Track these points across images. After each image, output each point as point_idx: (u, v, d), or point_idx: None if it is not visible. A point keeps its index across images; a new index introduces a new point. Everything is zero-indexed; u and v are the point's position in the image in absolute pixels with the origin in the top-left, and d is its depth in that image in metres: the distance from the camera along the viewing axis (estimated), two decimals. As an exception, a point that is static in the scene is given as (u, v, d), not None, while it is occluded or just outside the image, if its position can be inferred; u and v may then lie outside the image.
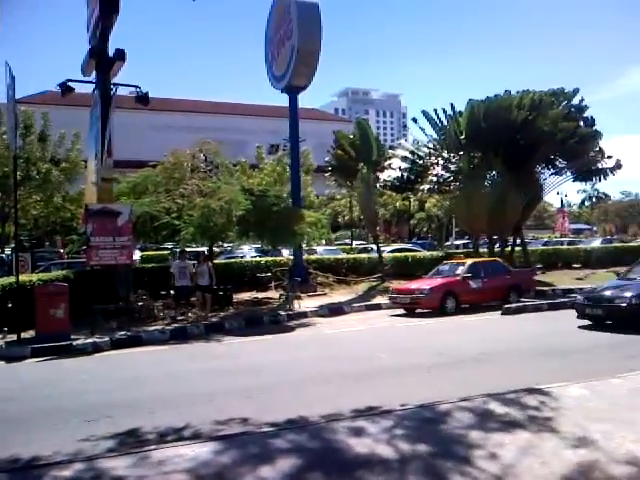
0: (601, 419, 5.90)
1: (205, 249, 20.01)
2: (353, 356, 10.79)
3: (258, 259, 24.07)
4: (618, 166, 25.36)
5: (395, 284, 20.27)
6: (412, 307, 16.94)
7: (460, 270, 17.64)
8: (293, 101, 22.47)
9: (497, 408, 6.40)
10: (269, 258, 23.86)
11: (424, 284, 17.27)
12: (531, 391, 7.03)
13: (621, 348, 10.47)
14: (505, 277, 18.11)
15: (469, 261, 18.53)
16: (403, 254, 26.10)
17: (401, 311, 17.18)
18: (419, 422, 6.09)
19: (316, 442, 5.62)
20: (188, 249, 18.68)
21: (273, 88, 23.35)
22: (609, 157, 25.13)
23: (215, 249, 20.75)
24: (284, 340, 13.38)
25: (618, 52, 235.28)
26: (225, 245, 23.70)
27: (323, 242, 27.31)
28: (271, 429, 6.16)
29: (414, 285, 17.57)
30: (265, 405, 7.36)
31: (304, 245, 21.57)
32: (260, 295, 20.09)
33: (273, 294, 20.03)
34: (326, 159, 27.49)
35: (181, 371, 10.01)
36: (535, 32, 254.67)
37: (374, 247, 27.02)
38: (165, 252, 28.06)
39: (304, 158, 36.14)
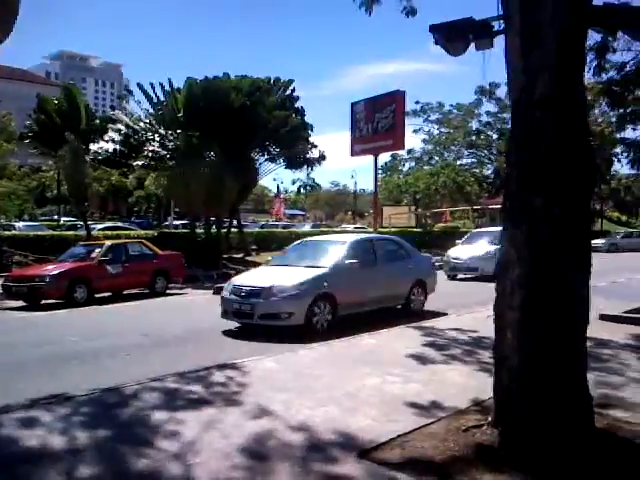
0: (284, 389, 6.20)
1: None
2: (40, 341, 9.71)
3: None
4: (322, 157, 27.84)
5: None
6: (33, 298, 14.21)
7: (96, 253, 15.63)
8: (-14, 53, 19.59)
9: (185, 386, 6.32)
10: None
11: (47, 270, 14.78)
12: (222, 367, 7.11)
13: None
14: (152, 261, 16.50)
15: (107, 242, 16.77)
16: (115, 232, 24.83)
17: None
18: (102, 407, 5.68)
19: (-25, 440, 4.86)
20: None
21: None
22: (316, 147, 27.48)
23: None
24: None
25: (341, 51, 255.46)
26: None
27: (26, 217, 24.56)
28: None
29: (35, 271, 15.19)
30: None
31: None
32: None
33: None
34: (27, 123, 24.65)
35: None
36: (266, 21, 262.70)
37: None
38: None
39: (4, 123, 31.99)
